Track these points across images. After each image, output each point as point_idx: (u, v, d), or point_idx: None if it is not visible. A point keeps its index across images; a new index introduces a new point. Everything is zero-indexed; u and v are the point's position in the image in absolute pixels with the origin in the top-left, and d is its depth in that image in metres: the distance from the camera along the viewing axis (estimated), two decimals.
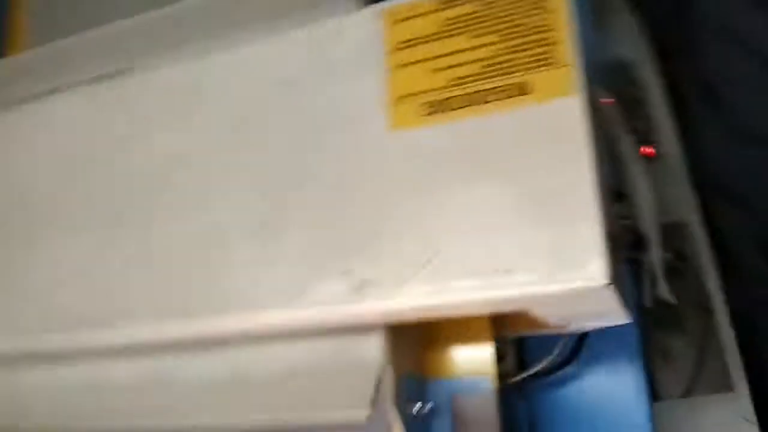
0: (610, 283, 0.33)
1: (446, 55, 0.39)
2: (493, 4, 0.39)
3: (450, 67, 0.39)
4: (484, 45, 0.39)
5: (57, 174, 0.50)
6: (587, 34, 0.49)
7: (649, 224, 0.61)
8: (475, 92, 0.38)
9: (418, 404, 0.39)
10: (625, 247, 0.55)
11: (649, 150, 0.78)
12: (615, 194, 0.53)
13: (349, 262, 0.39)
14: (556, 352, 0.46)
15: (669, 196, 0.76)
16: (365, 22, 0.42)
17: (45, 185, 0.50)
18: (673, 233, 0.73)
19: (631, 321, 0.40)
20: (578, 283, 0.34)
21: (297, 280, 0.39)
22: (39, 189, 0.50)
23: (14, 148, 0.53)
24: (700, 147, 0.84)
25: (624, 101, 0.90)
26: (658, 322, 0.63)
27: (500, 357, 0.43)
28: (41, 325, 0.46)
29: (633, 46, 0.97)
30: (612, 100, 0.79)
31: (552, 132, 0.37)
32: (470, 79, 0.39)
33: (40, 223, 0.49)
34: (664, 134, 0.91)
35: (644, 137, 0.83)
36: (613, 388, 0.51)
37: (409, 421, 0.38)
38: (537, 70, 0.38)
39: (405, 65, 0.40)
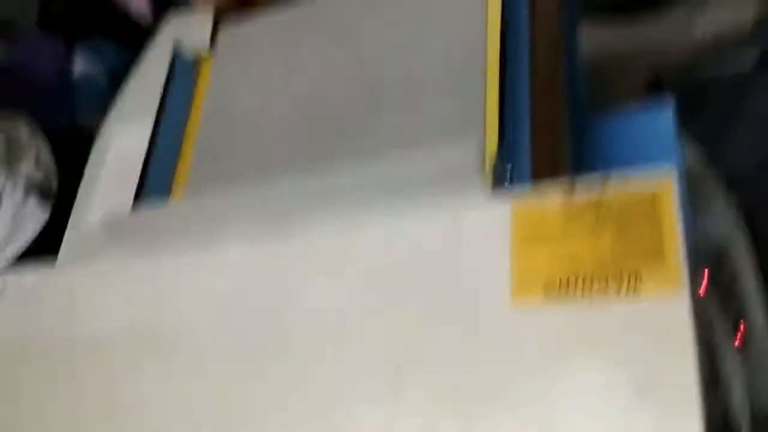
0: None
1: (567, 248, 0.46)
2: (611, 207, 0.46)
3: (570, 259, 0.46)
4: (602, 243, 0.45)
5: (209, 313, 0.58)
6: (689, 222, 0.55)
7: (741, 414, 0.64)
8: (592, 284, 0.44)
9: None
10: None
11: (739, 336, 0.80)
12: (709, 382, 0.56)
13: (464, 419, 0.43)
14: None
15: (760, 385, 0.77)
16: (496, 208, 0.49)
17: (192, 321, 0.58)
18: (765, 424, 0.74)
19: None
20: None
21: None
22: (193, 326, 0.58)
23: (170, 291, 0.61)
24: None
25: (716, 284, 0.94)
26: None
27: None
28: None
29: (726, 225, 1.01)
30: (707, 285, 0.83)
31: (661, 327, 0.41)
32: (588, 271, 0.45)
33: (192, 355, 0.56)
34: (755, 319, 0.93)
35: (736, 322, 0.86)
36: None
37: None
38: (648, 269, 0.43)
39: (529, 253, 0.47)
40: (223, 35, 0.96)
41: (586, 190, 0.47)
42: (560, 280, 0.45)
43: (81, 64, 1.61)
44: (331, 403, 0.49)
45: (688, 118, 1.30)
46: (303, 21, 0.91)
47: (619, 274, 0.44)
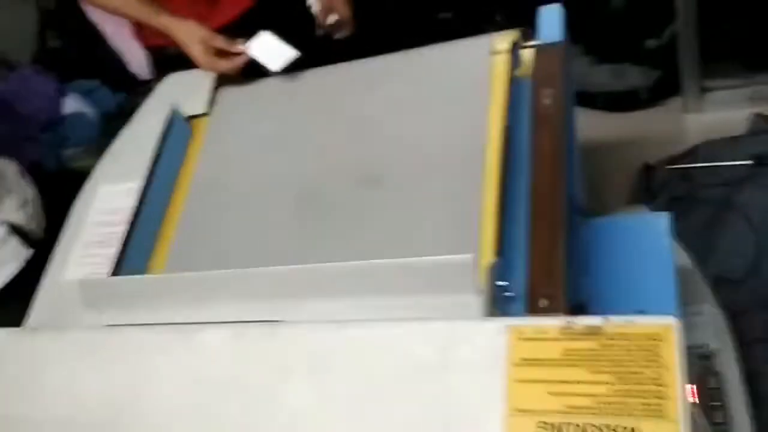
0: None
1: (564, 382, 0.44)
2: (612, 346, 0.44)
3: (567, 394, 0.44)
4: (601, 382, 0.43)
5: (187, 396, 0.55)
6: None
7: None
8: (588, 424, 0.42)
9: None
10: None
11: None
12: None
13: None
14: None
15: None
16: (493, 331, 0.47)
17: (171, 404, 0.55)
18: None
19: None
20: None
21: None
22: (165, 406, 0.55)
23: (149, 365, 0.58)
24: None
25: (704, 390, 0.93)
26: None
27: None
28: None
29: (714, 330, 1.00)
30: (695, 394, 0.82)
31: None
32: (585, 410, 0.42)
33: None
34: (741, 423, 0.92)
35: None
36: None
37: None
38: (647, 418, 0.41)
39: (525, 381, 0.45)
40: (221, 97, 0.95)
41: (588, 323, 0.45)
42: (555, 413, 0.43)
43: (72, 103, 1.60)
44: None
45: (679, 218, 1.32)
46: (304, 91, 0.90)
47: (617, 419, 0.42)
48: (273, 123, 0.88)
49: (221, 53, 0.92)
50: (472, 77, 0.78)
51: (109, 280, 0.72)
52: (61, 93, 1.62)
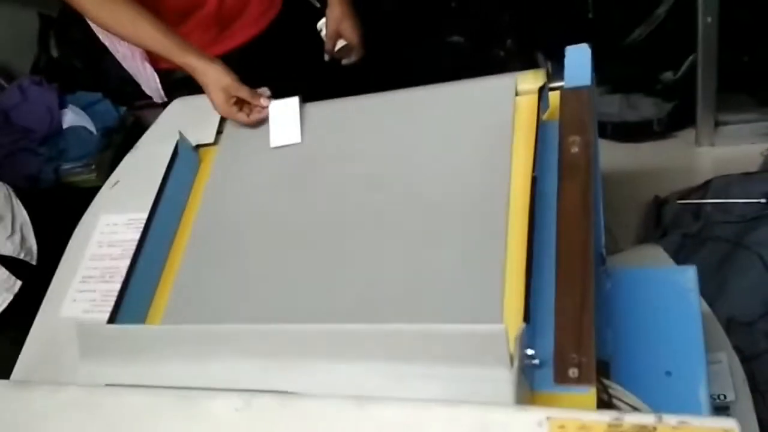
0: None
1: None
2: None
3: None
4: None
5: None
6: None
7: None
8: None
9: None
10: None
11: None
12: None
13: None
14: None
15: None
16: (532, 423, 0.43)
17: None
18: None
19: None
20: None
21: None
22: None
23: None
24: None
25: None
26: None
27: None
28: None
29: (734, 386, 0.97)
30: None
31: None
32: None
33: None
34: None
35: None
36: None
37: None
38: None
39: None
40: (229, 127, 0.91)
41: (638, 421, 0.42)
42: None
43: (72, 116, 1.55)
44: None
45: (689, 256, 1.29)
46: (316, 125, 0.87)
47: None
48: (283, 160, 0.84)
49: (241, 102, 0.88)
50: (497, 120, 0.75)
51: (108, 330, 0.68)
52: (61, 105, 1.58)
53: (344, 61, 1.07)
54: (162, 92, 1.04)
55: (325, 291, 0.68)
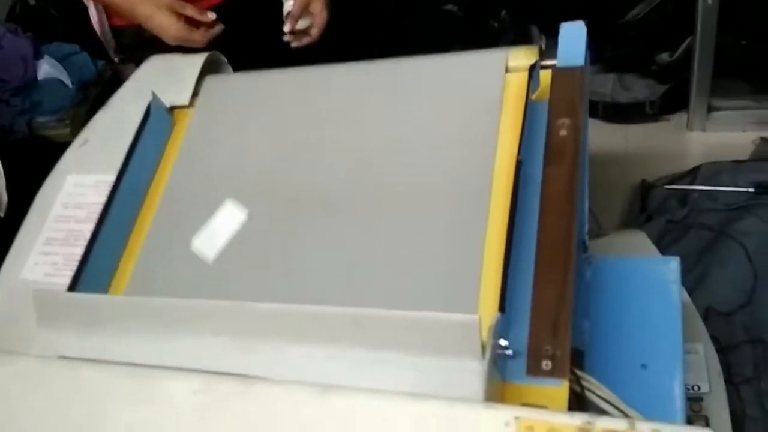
0: None
1: None
2: None
3: None
4: None
5: None
6: None
7: None
8: None
9: None
10: None
11: None
12: None
13: None
14: None
15: None
16: (498, 422, 0.42)
17: None
18: None
19: None
20: None
21: None
22: None
23: (104, 412, 0.52)
24: None
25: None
26: None
27: None
28: None
29: (708, 378, 0.96)
30: None
31: None
32: None
33: None
34: None
35: None
36: None
37: None
38: None
39: None
40: (206, 88, 0.87)
41: (610, 426, 0.40)
42: None
43: (48, 68, 1.50)
44: None
45: (673, 243, 1.28)
46: (300, 89, 0.83)
47: None
48: (260, 127, 0.80)
49: (191, 23, 0.84)
50: (484, 97, 0.72)
51: (66, 298, 0.65)
52: (37, 55, 1.52)
53: (296, 44, 1.02)
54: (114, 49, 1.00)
55: (297, 270, 0.66)
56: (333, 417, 0.46)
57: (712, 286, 1.20)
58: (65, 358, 0.58)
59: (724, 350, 1.10)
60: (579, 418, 0.41)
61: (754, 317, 1.15)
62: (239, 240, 0.71)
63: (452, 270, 0.60)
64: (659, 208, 1.34)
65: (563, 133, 0.67)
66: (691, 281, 1.17)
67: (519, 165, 0.63)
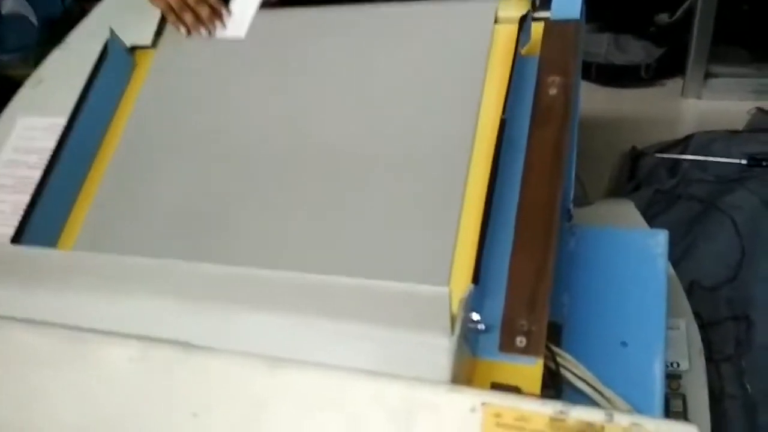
0: None
1: None
2: None
3: None
4: None
5: (76, 422, 0.45)
6: None
7: None
8: None
9: None
10: None
11: None
12: None
13: None
14: None
15: None
16: (464, 407, 0.37)
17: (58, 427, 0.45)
18: None
19: None
20: None
21: None
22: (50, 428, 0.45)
23: (36, 378, 0.47)
24: None
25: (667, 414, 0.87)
26: None
27: None
28: None
29: (688, 355, 0.94)
30: None
31: None
32: None
33: None
34: None
35: None
36: None
37: None
38: None
39: None
40: (171, 28, 0.81)
41: (585, 417, 0.36)
42: None
43: (11, 3, 1.41)
44: None
45: (660, 213, 1.24)
46: (271, 33, 0.76)
47: None
48: (229, 70, 0.74)
49: None
50: (471, 50, 0.66)
51: (7, 250, 0.60)
52: None
53: None
54: None
55: (260, 230, 0.61)
56: (282, 394, 0.41)
57: (698, 260, 1.16)
58: (1, 317, 0.53)
59: (705, 326, 1.07)
60: (551, 407, 0.37)
61: (739, 293, 1.12)
62: (196, 193, 0.65)
63: (425, 238, 0.55)
64: (648, 177, 1.29)
65: (553, 92, 0.62)
66: (677, 253, 1.13)
67: (503, 125, 0.58)
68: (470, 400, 0.38)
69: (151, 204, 0.66)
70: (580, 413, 0.37)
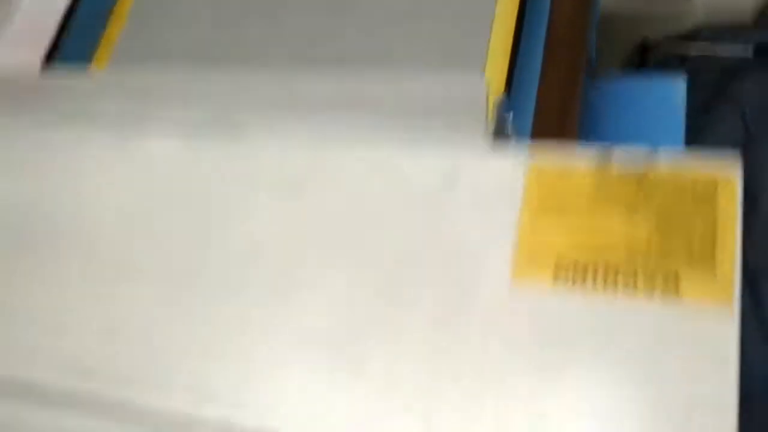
0: None
1: (593, 231, 0.36)
2: (656, 191, 0.37)
3: (593, 240, 0.37)
4: (637, 230, 0.36)
5: (131, 217, 0.46)
6: None
7: None
8: (617, 276, 0.35)
9: None
10: None
11: None
12: None
13: (429, 407, 0.35)
14: None
15: None
16: (508, 168, 0.39)
17: (114, 223, 0.46)
18: None
19: None
20: None
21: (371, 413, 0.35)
22: (106, 224, 0.46)
23: (89, 172, 0.49)
24: None
25: None
26: None
27: None
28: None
29: None
30: None
31: (698, 337, 0.33)
32: (614, 260, 0.36)
33: (100, 261, 0.45)
34: None
35: None
36: None
37: None
38: (691, 273, 0.35)
39: (542, 224, 0.37)
40: None
41: (628, 161, 0.38)
42: (576, 263, 0.36)
43: None
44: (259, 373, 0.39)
45: None
46: None
47: (653, 272, 0.35)
48: None
49: None
50: None
51: (39, 77, 0.60)
52: None
53: None
54: None
55: (291, 22, 0.60)
56: (333, 165, 0.43)
57: (703, 147, 1.17)
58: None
59: None
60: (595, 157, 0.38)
61: (744, 177, 1.14)
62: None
63: (459, 46, 0.56)
64: (656, 69, 1.30)
65: None
66: (689, 136, 1.14)
67: None
68: (514, 161, 0.40)
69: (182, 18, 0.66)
70: (623, 158, 0.38)
